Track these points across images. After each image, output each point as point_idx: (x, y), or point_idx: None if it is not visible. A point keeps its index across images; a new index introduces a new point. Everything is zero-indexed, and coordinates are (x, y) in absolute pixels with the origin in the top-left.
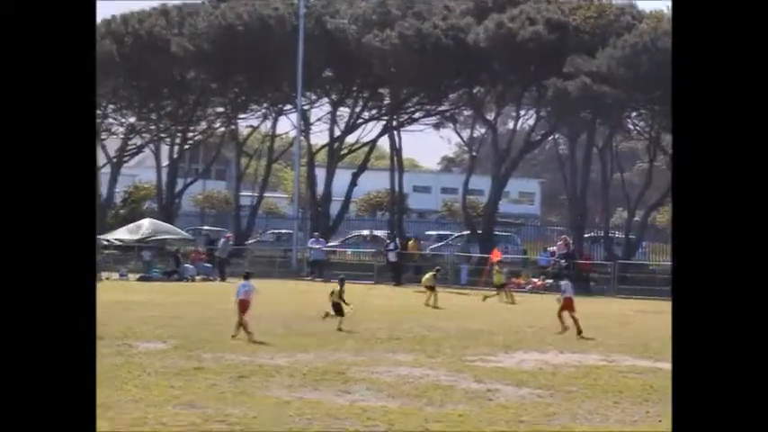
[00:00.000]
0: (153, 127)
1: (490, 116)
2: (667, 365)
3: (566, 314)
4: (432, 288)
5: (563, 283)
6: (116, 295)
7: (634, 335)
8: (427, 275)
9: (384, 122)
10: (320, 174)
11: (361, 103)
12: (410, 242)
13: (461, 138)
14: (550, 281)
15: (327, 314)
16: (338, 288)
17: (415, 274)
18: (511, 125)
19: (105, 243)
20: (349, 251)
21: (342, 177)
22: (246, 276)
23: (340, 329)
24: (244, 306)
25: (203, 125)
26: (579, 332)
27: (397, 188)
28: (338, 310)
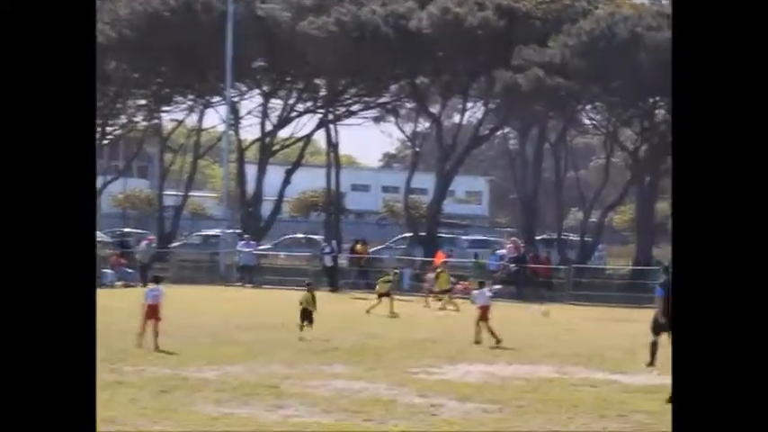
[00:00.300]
0: None
1: (434, 109)
2: (624, 378)
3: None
4: (385, 295)
5: (475, 291)
6: None
7: (589, 345)
8: (380, 281)
9: (320, 116)
10: (251, 171)
11: (294, 94)
12: (358, 245)
13: (403, 132)
14: (499, 286)
15: (302, 325)
16: (309, 295)
17: (357, 279)
18: (457, 119)
19: None
20: (282, 255)
21: (274, 175)
22: (156, 281)
23: (301, 338)
24: (152, 312)
25: (124, 119)
26: (491, 341)
27: (333, 187)
28: (307, 317)
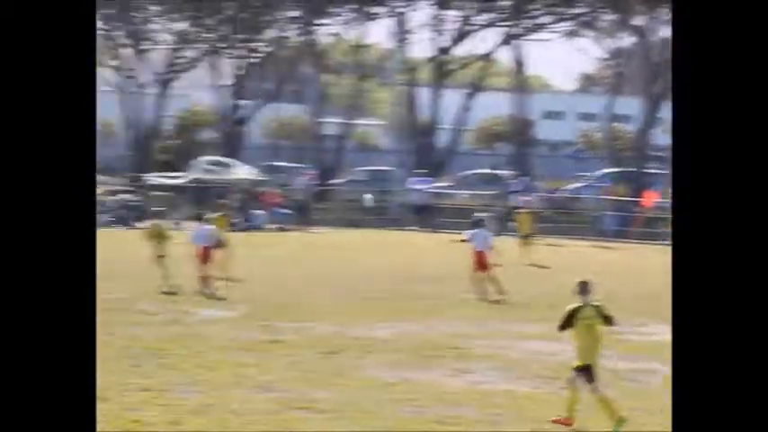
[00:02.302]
0: (209, 35)
1: (639, 21)
2: None
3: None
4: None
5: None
6: (167, 248)
7: None
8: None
9: (503, 30)
10: (423, 95)
11: (473, 4)
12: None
13: (602, 49)
14: None
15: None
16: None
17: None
18: (666, 32)
19: (153, 183)
20: (462, 193)
21: (451, 99)
22: (201, 218)
23: None
24: (206, 256)
25: (273, 33)
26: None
27: (521, 114)
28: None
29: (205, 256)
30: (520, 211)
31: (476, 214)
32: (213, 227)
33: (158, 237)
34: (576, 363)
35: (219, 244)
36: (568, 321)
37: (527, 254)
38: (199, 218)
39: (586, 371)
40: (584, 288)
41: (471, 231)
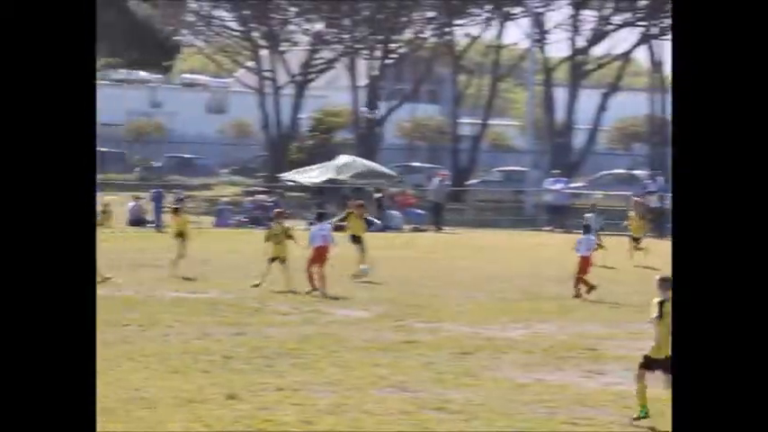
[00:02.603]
0: (346, 36)
1: None
2: None
3: None
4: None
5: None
6: (299, 249)
7: None
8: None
9: (641, 29)
10: (560, 95)
11: (611, 4)
12: None
13: None
14: None
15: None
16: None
17: None
18: None
19: (289, 184)
20: (599, 194)
21: (588, 99)
22: (320, 217)
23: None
24: (322, 255)
25: (410, 34)
26: None
27: (659, 113)
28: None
29: (321, 256)
30: (632, 212)
31: (586, 215)
32: (329, 226)
33: (281, 238)
34: (656, 356)
35: (356, 241)
36: (662, 313)
37: (641, 256)
38: (320, 218)
39: (664, 363)
40: (664, 284)
41: (578, 239)
